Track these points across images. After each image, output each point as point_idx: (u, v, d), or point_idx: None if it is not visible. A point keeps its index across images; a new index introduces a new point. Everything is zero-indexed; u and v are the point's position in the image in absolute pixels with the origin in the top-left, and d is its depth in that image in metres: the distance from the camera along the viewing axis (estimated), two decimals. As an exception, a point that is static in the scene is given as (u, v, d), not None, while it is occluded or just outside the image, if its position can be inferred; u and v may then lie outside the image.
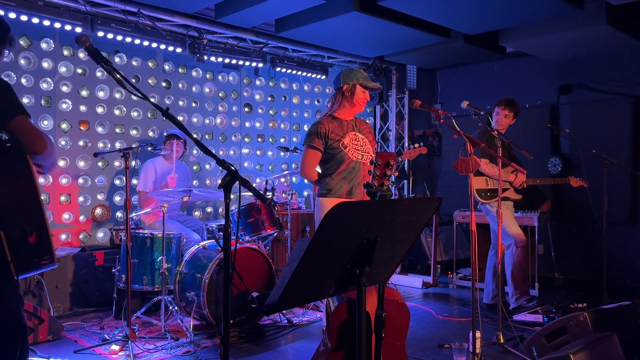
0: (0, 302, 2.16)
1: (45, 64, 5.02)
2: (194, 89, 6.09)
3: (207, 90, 6.21)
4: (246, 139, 6.59)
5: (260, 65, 6.25)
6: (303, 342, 4.14)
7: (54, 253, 2.19)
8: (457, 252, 6.31)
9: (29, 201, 2.11)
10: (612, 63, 6.02)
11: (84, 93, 5.27)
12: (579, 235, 6.34)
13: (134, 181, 5.37)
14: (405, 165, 7.67)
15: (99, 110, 5.37)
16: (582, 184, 4.98)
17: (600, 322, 3.24)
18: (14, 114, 2.16)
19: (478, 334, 3.35)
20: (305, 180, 5.56)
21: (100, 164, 5.38)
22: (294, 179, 6.95)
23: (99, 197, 5.37)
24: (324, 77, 6.91)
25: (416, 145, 4.55)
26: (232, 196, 1.98)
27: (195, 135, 2.02)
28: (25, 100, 4.90)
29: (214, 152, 2.16)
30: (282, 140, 6.92)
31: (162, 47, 5.42)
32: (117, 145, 5.43)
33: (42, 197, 2.22)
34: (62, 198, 5.15)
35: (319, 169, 3.44)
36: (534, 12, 4.86)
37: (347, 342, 2.51)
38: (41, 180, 4.58)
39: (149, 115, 5.73)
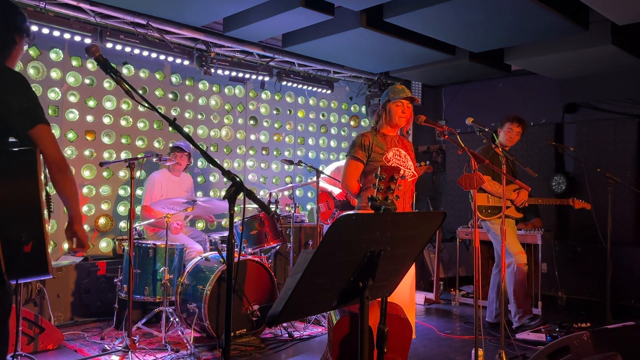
0: None
1: (53, 74, 5.08)
2: (200, 101, 6.14)
3: (213, 102, 6.26)
4: (251, 152, 6.61)
5: (267, 78, 6.29)
6: (304, 357, 4.11)
7: (49, 264, 2.05)
8: (460, 269, 6.28)
9: (30, 209, 1.99)
10: (617, 83, 6.04)
11: (91, 103, 5.31)
12: (583, 255, 6.31)
13: (139, 191, 5.39)
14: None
15: (106, 120, 5.41)
16: (585, 205, 4.95)
17: (604, 342, 3.21)
18: (38, 121, 2.10)
19: (480, 352, 3.32)
20: (334, 193, 5.64)
21: (105, 173, 5.41)
22: (297, 192, 6.96)
23: (103, 207, 5.38)
24: (329, 91, 6.95)
25: (422, 163, 4.57)
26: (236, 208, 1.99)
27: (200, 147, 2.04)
28: (33, 109, 4.94)
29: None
30: (286, 153, 6.94)
31: (170, 59, 5.47)
32: (123, 155, 5.46)
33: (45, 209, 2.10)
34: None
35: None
36: (539, 31, 4.90)
37: (348, 356, 2.49)
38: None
39: (155, 126, 5.76)
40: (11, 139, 2.14)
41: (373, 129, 3.46)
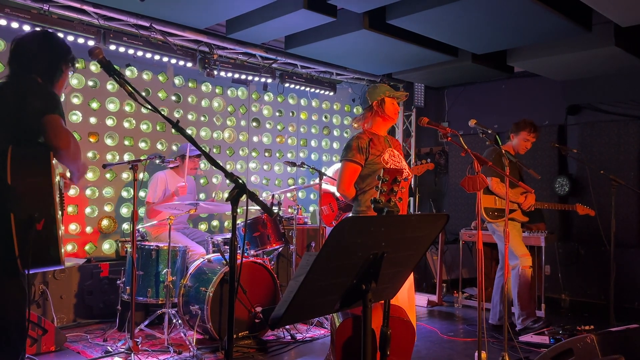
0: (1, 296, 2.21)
1: (57, 76, 5.08)
2: (203, 103, 6.14)
3: (216, 104, 6.26)
4: (253, 154, 6.61)
5: (269, 80, 6.30)
6: (306, 359, 4.10)
7: (61, 250, 2.21)
8: (463, 271, 6.27)
9: (43, 194, 2.19)
10: (620, 84, 6.03)
11: (94, 105, 5.32)
12: (587, 257, 6.29)
13: (142, 193, 5.39)
14: (412, 183, 7.66)
15: (109, 122, 5.42)
16: (589, 212, 4.91)
17: (608, 344, 3.19)
18: (48, 112, 2.28)
19: (484, 355, 3.31)
20: (336, 195, 5.65)
21: (108, 175, 5.41)
22: (300, 194, 6.95)
23: (106, 208, 5.39)
24: (331, 93, 6.95)
25: (423, 161, 4.57)
26: (238, 210, 1.98)
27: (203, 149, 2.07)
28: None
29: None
30: (289, 155, 6.94)
31: (173, 61, 5.48)
32: (126, 157, 5.46)
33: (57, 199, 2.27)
34: (70, 209, 5.17)
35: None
36: (542, 33, 4.89)
37: (351, 359, 2.48)
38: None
39: (158, 128, 5.77)
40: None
41: (364, 131, 3.31)
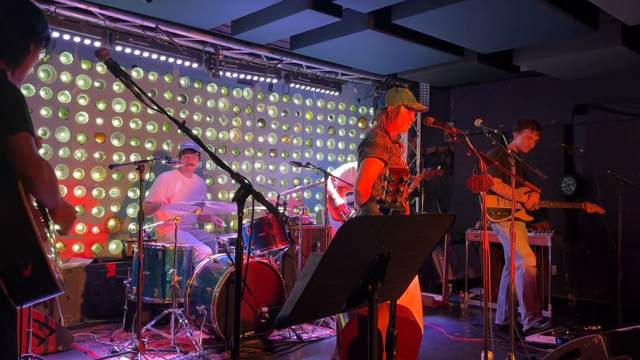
0: None
1: (63, 77, 5.11)
2: (209, 103, 6.16)
3: (221, 105, 6.28)
4: (259, 154, 6.62)
5: (275, 81, 6.31)
6: (312, 359, 4.11)
7: (57, 281, 1.85)
8: (469, 271, 6.25)
9: (20, 231, 1.77)
10: (627, 83, 6.00)
11: (100, 106, 5.34)
12: (593, 257, 6.26)
13: (147, 193, 5.40)
14: (418, 182, 7.64)
15: (115, 123, 5.44)
16: (598, 210, 4.88)
17: (615, 345, 3.18)
18: (17, 129, 1.79)
19: (490, 355, 3.30)
20: (350, 196, 5.62)
21: (114, 176, 5.43)
22: (305, 194, 6.96)
23: (113, 209, 5.41)
24: (337, 93, 6.95)
25: (433, 168, 4.56)
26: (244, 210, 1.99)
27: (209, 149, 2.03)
28: (42, 112, 4.99)
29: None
30: (294, 155, 6.94)
31: (179, 62, 5.50)
32: (132, 158, 5.48)
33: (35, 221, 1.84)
34: (76, 209, 5.18)
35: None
36: (548, 32, 4.87)
37: (357, 359, 2.48)
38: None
39: (164, 128, 5.79)
40: None
41: (384, 131, 3.23)
